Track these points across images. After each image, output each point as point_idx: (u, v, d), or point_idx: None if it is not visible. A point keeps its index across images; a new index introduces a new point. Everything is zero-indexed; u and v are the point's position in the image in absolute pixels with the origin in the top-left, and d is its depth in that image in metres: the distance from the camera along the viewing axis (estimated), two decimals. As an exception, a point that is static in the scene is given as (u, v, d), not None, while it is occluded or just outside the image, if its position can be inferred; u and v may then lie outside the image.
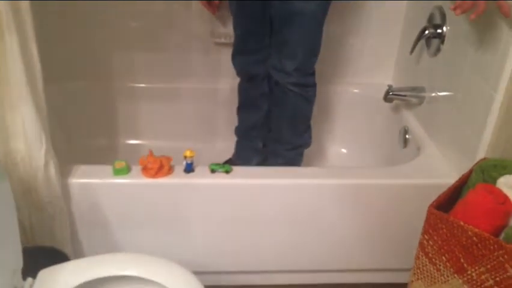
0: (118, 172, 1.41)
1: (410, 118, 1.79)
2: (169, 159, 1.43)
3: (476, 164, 1.27)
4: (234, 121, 2.07)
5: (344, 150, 2.17)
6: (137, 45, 1.97)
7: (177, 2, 1.88)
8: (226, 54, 1.83)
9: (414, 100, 1.75)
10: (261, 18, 1.69)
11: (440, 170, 1.51)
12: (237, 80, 1.90)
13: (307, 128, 1.85)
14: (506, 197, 1.11)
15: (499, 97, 1.28)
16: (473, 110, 1.39)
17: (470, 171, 1.27)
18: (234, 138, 2.02)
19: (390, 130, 1.88)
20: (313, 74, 1.74)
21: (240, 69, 1.82)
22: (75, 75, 1.96)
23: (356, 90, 2.06)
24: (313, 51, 1.68)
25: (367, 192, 1.49)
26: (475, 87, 1.38)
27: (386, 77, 2.03)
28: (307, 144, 1.87)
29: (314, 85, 1.76)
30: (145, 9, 1.88)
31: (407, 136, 1.76)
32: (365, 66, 2.05)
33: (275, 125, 1.86)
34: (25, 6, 1.16)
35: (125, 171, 1.42)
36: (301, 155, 1.87)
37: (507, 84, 1.26)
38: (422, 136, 1.68)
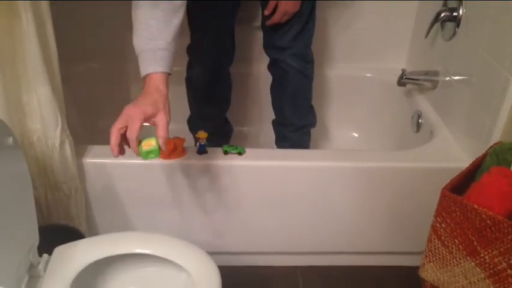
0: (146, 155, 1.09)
1: (423, 102, 1.78)
2: (182, 140, 1.44)
3: (490, 147, 1.27)
4: (245, 104, 2.09)
5: (355, 135, 2.17)
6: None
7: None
8: (238, 38, 1.83)
9: (428, 84, 1.74)
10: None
11: (454, 154, 1.51)
12: (252, 64, 1.89)
13: (310, 108, 1.86)
14: (520, 181, 1.11)
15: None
16: (488, 93, 1.38)
17: (485, 155, 1.26)
18: (245, 121, 2.03)
19: (403, 114, 1.87)
20: (309, 48, 1.76)
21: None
22: (90, 56, 1.97)
23: (369, 74, 2.05)
24: (307, 23, 1.70)
25: (379, 176, 1.49)
26: (490, 70, 1.37)
27: (399, 62, 2.02)
28: (312, 124, 1.88)
29: (312, 61, 1.79)
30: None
31: (420, 120, 1.75)
32: (378, 50, 2.04)
33: (278, 107, 1.87)
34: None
35: (157, 152, 1.09)
36: (307, 134, 1.88)
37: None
38: (435, 120, 1.67)
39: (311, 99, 1.86)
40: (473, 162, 1.26)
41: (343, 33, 2.01)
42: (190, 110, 1.89)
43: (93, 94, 1.98)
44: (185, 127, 1.93)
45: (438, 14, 1.60)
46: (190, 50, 1.77)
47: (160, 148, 1.08)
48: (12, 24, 1.17)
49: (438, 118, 1.68)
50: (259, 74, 2.04)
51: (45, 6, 1.20)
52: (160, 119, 1.09)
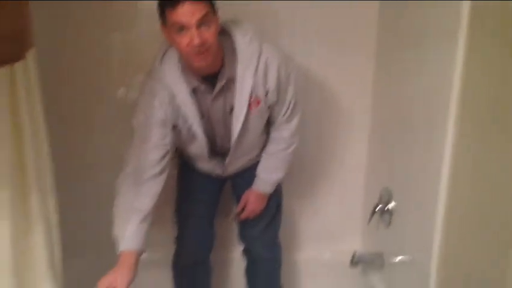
0: None
1: (375, 280, 2.04)
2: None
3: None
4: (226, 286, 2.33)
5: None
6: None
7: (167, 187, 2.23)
8: (218, 229, 2.14)
9: (377, 264, 2.02)
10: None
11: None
12: (229, 251, 2.24)
13: None
14: None
15: (434, 260, 1.56)
16: (421, 271, 1.64)
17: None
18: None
19: (360, 290, 2.12)
20: (277, 237, 2.08)
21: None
22: (84, 253, 2.24)
23: (327, 256, 2.36)
24: (274, 218, 2.04)
25: None
26: (419, 256, 1.66)
27: (356, 242, 2.33)
28: None
29: (280, 248, 2.09)
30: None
31: (373, 297, 2.00)
32: (337, 234, 2.37)
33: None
34: (52, 203, 1.51)
35: None
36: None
37: (439, 251, 1.55)
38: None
39: (280, 281, 2.13)
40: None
41: (306, 221, 2.37)
42: None
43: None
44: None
45: (376, 206, 1.95)
46: (177, 239, 2.07)
47: None
48: (27, 236, 1.47)
49: (388, 294, 1.93)
50: (235, 259, 2.30)
51: (54, 218, 1.52)
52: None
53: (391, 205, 1.90)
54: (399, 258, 1.84)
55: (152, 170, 1.64)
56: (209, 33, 1.46)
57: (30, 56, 1.23)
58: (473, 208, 1.52)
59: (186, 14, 1.41)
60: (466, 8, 1.34)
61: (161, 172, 1.66)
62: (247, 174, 1.94)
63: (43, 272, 1.49)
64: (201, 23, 1.43)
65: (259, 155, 1.90)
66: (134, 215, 1.62)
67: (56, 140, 1.56)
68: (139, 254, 1.62)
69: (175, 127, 1.67)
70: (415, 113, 1.70)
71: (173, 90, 1.61)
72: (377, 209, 1.93)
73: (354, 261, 2.04)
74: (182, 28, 1.44)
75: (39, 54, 1.29)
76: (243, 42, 1.59)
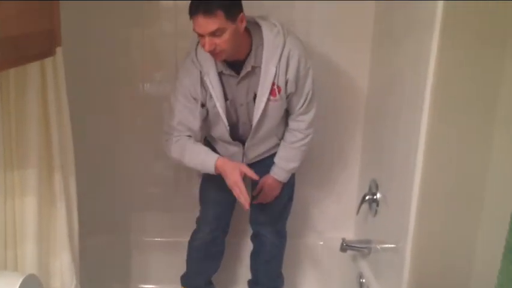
0: None
1: (363, 265, 2.21)
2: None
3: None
4: (230, 267, 2.52)
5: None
6: (150, 208, 2.55)
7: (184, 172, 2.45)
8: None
9: (365, 250, 2.19)
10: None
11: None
12: (239, 236, 2.43)
13: (280, 274, 2.31)
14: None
15: (408, 251, 1.74)
16: (398, 262, 1.81)
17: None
18: (228, 282, 2.45)
19: (350, 275, 2.29)
20: (284, 226, 2.25)
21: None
22: (100, 230, 2.46)
23: (321, 243, 2.55)
24: (285, 207, 2.22)
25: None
26: (398, 244, 1.82)
27: (349, 231, 2.51)
28: (280, 286, 2.31)
29: (285, 236, 2.26)
30: (158, 176, 2.47)
31: (361, 280, 2.16)
32: (333, 223, 2.56)
33: (254, 270, 2.32)
34: (73, 183, 1.72)
35: None
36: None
37: (413, 238, 1.72)
38: (371, 280, 2.09)
39: (281, 266, 2.32)
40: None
41: (309, 210, 2.56)
42: (187, 267, 2.31)
43: (101, 262, 2.42)
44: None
45: (364, 196, 2.12)
46: (198, 220, 2.26)
47: None
48: (50, 210, 1.67)
49: (373, 278, 2.09)
50: (244, 244, 2.51)
51: (73, 197, 1.73)
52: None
53: (377, 196, 2.07)
54: (382, 245, 2.01)
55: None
56: (220, 41, 1.69)
57: (58, 52, 1.44)
58: (445, 198, 1.70)
59: (200, 25, 1.67)
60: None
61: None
62: (266, 163, 2.12)
63: (63, 242, 1.70)
64: (213, 33, 1.67)
65: (277, 145, 2.09)
66: (198, 145, 1.95)
67: (78, 129, 1.77)
68: None
69: (203, 105, 1.90)
70: (397, 108, 1.88)
71: (204, 68, 1.85)
72: (365, 200, 2.11)
73: (343, 247, 2.21)
74: (199, 34, 1.69)
75: (65, 51, 1.50)
76: (270, 35, 1.82)
